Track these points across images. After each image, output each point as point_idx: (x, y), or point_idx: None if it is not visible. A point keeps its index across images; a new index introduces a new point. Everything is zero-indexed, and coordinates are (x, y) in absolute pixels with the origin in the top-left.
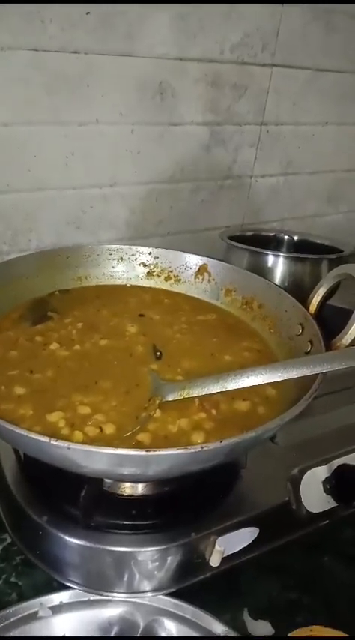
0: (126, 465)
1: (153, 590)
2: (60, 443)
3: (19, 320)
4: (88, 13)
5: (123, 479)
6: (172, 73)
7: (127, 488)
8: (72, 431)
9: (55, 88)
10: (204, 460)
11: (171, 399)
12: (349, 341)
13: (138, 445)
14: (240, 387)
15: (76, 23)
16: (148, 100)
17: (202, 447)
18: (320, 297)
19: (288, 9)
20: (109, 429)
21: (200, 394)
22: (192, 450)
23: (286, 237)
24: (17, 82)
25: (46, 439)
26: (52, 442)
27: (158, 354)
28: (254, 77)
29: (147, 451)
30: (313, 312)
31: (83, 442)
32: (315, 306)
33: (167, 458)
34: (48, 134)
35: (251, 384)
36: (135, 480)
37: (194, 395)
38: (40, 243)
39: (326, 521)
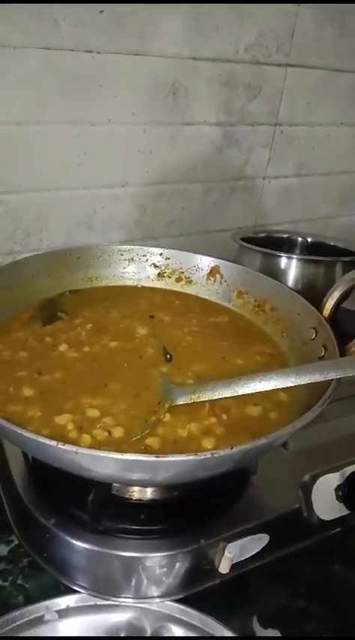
0: (134, 470)
1: (161, 596)
2: (68, 447)
3: (29, 320)
4: (101, 11)
5: (131, 483)
6: (185, 73)
7: (136, 492)
8: (80, 434)
9: (67, 87)
10: (213, 466)
11: (181, 403)
12: None
13: (147, 449)
14: (251, 392)
15: (89, 22)
16: (161, 99)
17: (212, 454)
18: (334, 300)
19: (303, 9)
20: (118, 433)
21: (210, 398)
22: (202, 457)
23: (299, 239)
24: (29, 81)
25: (53, 443)
26: (59, 446)
27: (168, 356)
28: (268, 77)
29: (156, 457)
30: (327, 316)
31: (91, 445)
32: (329, 310)
33: (176, 464)
34: (59, 134)
35: (262, 389)
36: (143, 484)
37: (204, 399)
38: (51, 243)
39: (338, 529)
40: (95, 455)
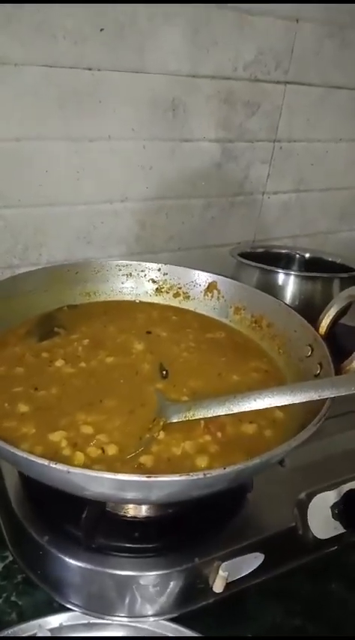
0: (126, 489)
1: (155, 615)
2: (59, 466)
3: (26, 335)
4: (101, 29)
5: (124, 502)
6: (184, 90)
7: (131, 510)
8: (73, 451)
9: (66, 103)
10: (207, 486)
11: (175, 421)
12: None
13: (141, 468)
14: (246, 410)
15: (88, 38)
16: (160, 116)
17: (205, 474)
18: (330, 318)
19: (303, 25)
20: (112, 450)
21: (205, 416)
22: (194, 477)
23: (297, 254)
24: (29, 97)
25: (45, 462)
26: (51, 465)
27: (164, 372)
28: (267, 94)
29: (147, 477)
30: (323, 333)
31: (84, 463)
32: (325, 328)
33: (168, 484)
34: (59, 149)
35: (257, 408)
36: (136, 503)
37: (199, 417)
38: (50, 258)
39: (334, 547)
40: (86, 474)
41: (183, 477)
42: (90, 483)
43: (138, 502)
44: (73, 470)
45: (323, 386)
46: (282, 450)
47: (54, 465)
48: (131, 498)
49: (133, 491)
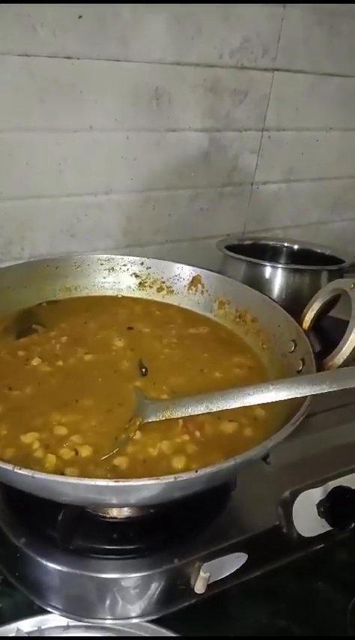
0: (93, 494)
1: (136, 616)
2: (23, 472)
3: (3, 333)
4: (80, 16)
5: (97, 506)
6: (169, 79)
7: (110, 510)
8: (45, 453)
9: (47, 94)
10: (179, 489)
11: (152, 420)
12: (341, 361)
13: (114, 470)
14: (224, 409)
15: (68, 27)
16: (144, 105)
17: (175, 478)
18: (314, 312)
19: (290, 11)
20: (85, 452)
21: (183, 415)
22: (165, 481)
23: (286, 246)
24: (8, 87)
25: (9, 467)
26: (15, 470)
27: (144, 370)
28: (254, 82)
29: (115, 482)
30: (307, 328)
31: (56, 465)
32: (309, 322)
33: (137, 489)
34: (40, 141)
35: (236, 406)
36: (110, 506)
37: (177, 416)
38: (33, 252)
39: (320, 546)
40: (51, 479)
41: (152, 481)
42: (55, 489)
43: (113, 505)
44: (37, 475)
45: (301, 384)
46: (256, 452)
47: (18, 470)
48: (103, 502)
49: (101, 495)
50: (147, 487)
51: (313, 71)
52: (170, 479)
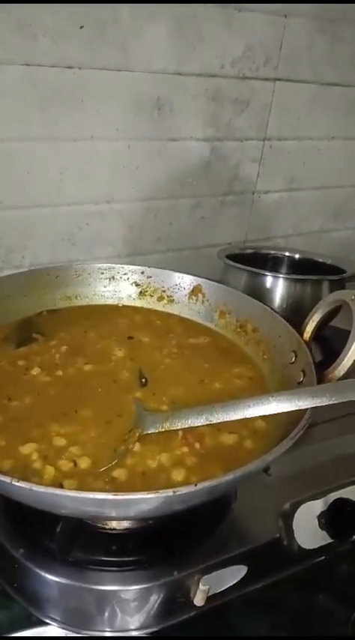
0: (92, 507)
1: (134, 629)
2: (21, 484)
3: (3, 342)
4: (81, 26)
5: (96, 518)
6: (170, 88)
7: (110, 522)
8: (44, 465)
9: (48, 103)
10: (178, 503)
11: (151, 432)
12: (342, 373)
13: (113, 482)
14: (224, 421)
15: (70, 37)
16: (146, 115)
17: (174, 492)
18: (315, 323)
19: (291, 20)
20: (84, 464)
21: (182, 427)
22: (164, 495)
23: (287, 256)
24: (9, 96)
25: (7, 479)
26: (13, 483)
27: (143, 380)
28: (256, 92)
29: (114, 495)
30: (307, 339)
31: (55, 477)
32: (310, 333)
33: (136, 502)
34: (41, 150)
35: (236, 418)
36: (108, 519)
37: (176, 428)
38: (34, 260)
39: (321, 558)
40: (49, 492)
41: (151, 495)
42: (54, 501)
43: (111, 518)
44: (35, 488)
45: (301, 396)
46: (257, 466)
47: (16, 483)
48: (102, 515)
49: (100, 508)
50: (146, 501)
51: (315, 80)
52: (169, 493)
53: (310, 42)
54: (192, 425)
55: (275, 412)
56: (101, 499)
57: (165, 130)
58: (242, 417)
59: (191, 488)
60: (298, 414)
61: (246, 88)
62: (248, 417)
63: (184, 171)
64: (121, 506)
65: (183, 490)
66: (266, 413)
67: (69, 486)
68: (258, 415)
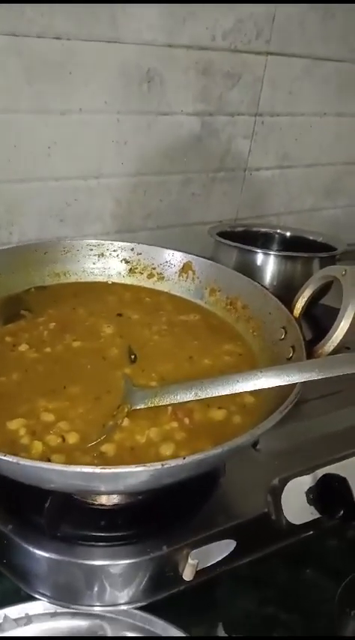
0: (80, 481)
1: (123, 603)
2: (8, 458)
3: None
4: None
5: (84, 493)
6: (160, 60)
7: (98, 497)
8: (32, 440)
9: (35, 74)
10: (167, 476)
11: (140, 407)
12: (331, 348)
13: (101, 457)
14: (213, 396)
15: (57, 7)
16: (135, 88)
17: (163, 465)
18: (305, 299)
19: None
20: (72, 439)
21: (171, 402)
22: (152, 468)
23: (278, 233)
24: None
25: None
26: (0, 457)
27: (133, 356)
28: (247, 65)
29: (102, 468)
30: (297, 315)
31: (43, 452)
32: (300, 309)
33: (124, 475)
34: (28, 123)
35: (225, 393)
36: (97, 493)
37: (165, 403)
38: (21, 237)
39: (310, 533)
40: (37, 466)
41: (140, 468)
42: (41, 476)
43: (100, 492)
44: (22, 462)
45: (289, 371)
46: (245, 440)
47: (3, 457)
48: (90, 489)
49: (88, 482)
50: (135, 474)
51: (307, 55)
52: (157, 466)
53: (303, 16)
54: (181, 400)
55: (265, 387)
56: (89, 472)
57: (155, 104)
58: (231, 392)
59: (179, 461)
60: (287, 389)
61: (238, 62)
62: (237, 392)
63: (174, 146)
64: (109, 480)
65: (172, 463)
66: (256, 388)
67: (57, 461)
68: (247, 390)
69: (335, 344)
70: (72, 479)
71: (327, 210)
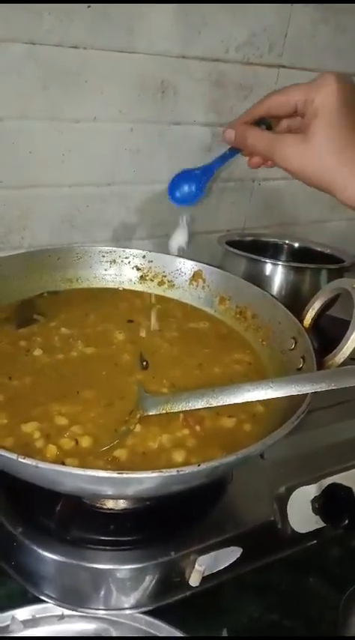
0: (95, 485)
1: (130, 607)
2: (27, 461)
3: (4, 322)
4: (88, 6)
5: (98, 497)
6: (174, 71)
7: (107, 502)
8: (46, 443)
9: (51, 82)
10: (180, 482)
11: (152, 414)
12: (342, 359)
13: (114, 461)
14: (224, 404)
15: (75, 16)
16: (149, 98)
17: (178, 471)
18: (315, 310)
19: (297, 8)
20: (85, 442)
21: (183, 409)
22: (167, 474)
23: (286, 244)
24: (12, 75)
25: (13, 456)
26: (19, 459)
27: (144, 363)
28: (259, 78)
29: (118, 473)
30: (307, 326)
31: (56, 455)
32: (310, 320)
33: (140, 481)
34: (43, 130)
35: (237, 402)
36: (110, 498)
37: (177, 410)
38: (33, 242)
39: (314, 542)
40: (55, 470)
41: (155, 474)
42: (59, 478)
43: (112, 497)
44: (41, 465)
45: (301, 381)
46: (257, 448)
47: (22, 460)
48: (103, 493)
49: (102, 486)
50: (150, 479)
51: (318, 68)
52: (173, 472)
53: (314, 30)
54: (193, 407)
55: (276, 397)
56: (106, 477)
57: (168, 114)
58: (242, 400)
59: (194, 468)
60: (297, 399)
61: (250, 74)
62: (248, 400)
63: (186, 155)
64: (125, 485)
65: (187, 470)
66: (267, 397)
67: (70, 464)
68: (258, 399)
69: (346, 355)
70: (89, 483)
71: (333, 222)
